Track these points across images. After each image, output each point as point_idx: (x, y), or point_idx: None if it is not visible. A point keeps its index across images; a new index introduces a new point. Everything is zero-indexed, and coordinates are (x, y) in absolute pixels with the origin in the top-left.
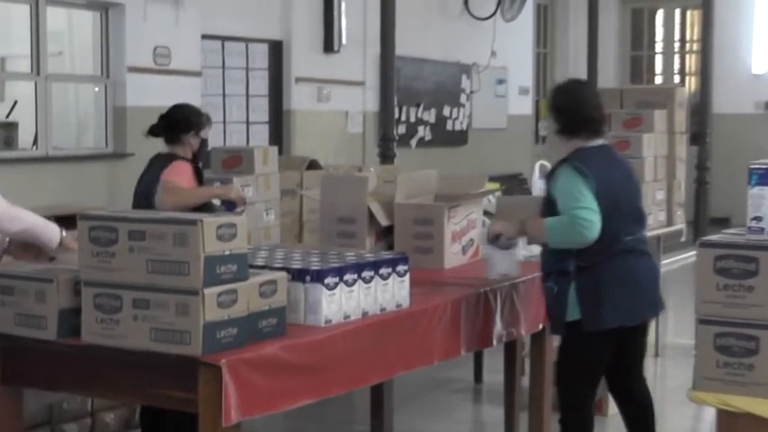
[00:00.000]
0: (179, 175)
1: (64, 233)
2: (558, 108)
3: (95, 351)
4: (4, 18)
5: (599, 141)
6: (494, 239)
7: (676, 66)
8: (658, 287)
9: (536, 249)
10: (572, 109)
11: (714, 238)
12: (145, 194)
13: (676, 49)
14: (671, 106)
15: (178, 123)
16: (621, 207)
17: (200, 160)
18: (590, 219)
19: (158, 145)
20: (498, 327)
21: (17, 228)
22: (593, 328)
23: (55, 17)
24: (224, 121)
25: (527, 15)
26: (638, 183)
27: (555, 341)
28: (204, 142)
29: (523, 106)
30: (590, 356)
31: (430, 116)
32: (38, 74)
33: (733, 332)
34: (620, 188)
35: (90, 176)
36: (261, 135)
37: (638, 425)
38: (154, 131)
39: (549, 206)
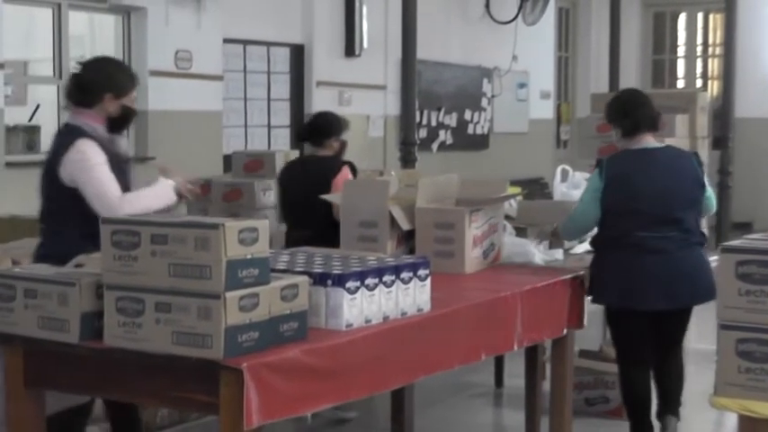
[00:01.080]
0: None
1: (170, 184)
2: (621, 112)
3: (117, 354)
4: (27, 22)
5: (644, 144)
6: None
7: (699, 70)
8: (680, 281)
9: (557, 254)
10: (635, 112)
11: (736, 243)
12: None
13: (699, 53)
14: (693, 110)
15: (321, 129)
16: (640, 207)
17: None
18: (573, 216)
19: (180, 148)
20: (519, 331)
21: (139, 209)
22: (595, 302)
23: (77, 21)
24: (245, 125)
25: (548, 19)
26: (681, 188)
27: (576, 345)
28: (343, 144)
29: (545, 110)
30: (618, 329)
31: (451, 120)
32: (60, 77)
33: (755, 337)
34: (643, 190)
35: None
36: (282, 139)
37: (662, 397)
38: (301, 136)
39: None
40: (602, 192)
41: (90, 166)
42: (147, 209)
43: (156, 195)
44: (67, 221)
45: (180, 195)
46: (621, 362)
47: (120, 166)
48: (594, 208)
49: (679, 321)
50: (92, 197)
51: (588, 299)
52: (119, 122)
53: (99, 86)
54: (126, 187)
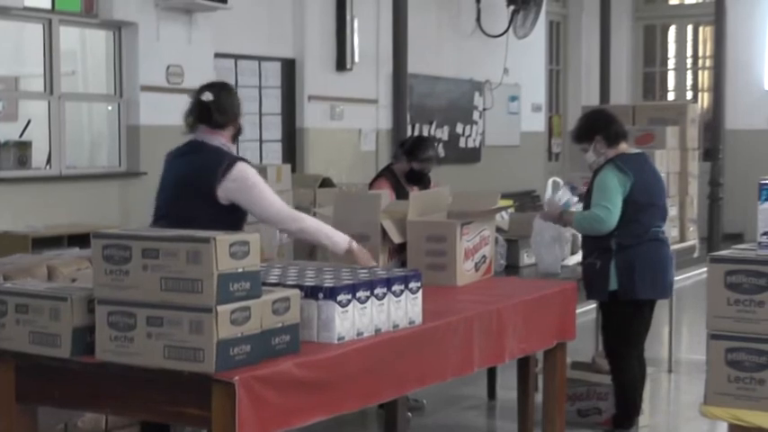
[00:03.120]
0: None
1: (354, 244)
2: (601, 124)
3: (109, 369)
4: (18, 37)
5: (631, 150)
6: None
7: (689, 82)
8: (672, 273)
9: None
10: (607, 123)
11: (725, 253)
12: None
13: (689, 66)
14: (683, 122)
15: (404, 148)
16: (654, 203)
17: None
18: (603, 217)
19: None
20: (511, 343)
21: (296, 227)
22: (625, 298)
23: (68, 36)
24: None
25: (539, 32)
26: (665, 186)
27: (568, 357)
28: (412, 172)
29: (536, 123)
30: (625, 322)
31: (443, 133)
32: (51, 93)
33: (744, 347)
34: (653, 187)
35: (103, 195)
36: (274, 153)
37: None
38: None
39: (588, 195)
40: (630, 186)
41: (258, 183)
42: (317, 231)
43: (332, 231)
44: None
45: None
46: (627, 353)
47: None
48: (621, 205)
49: (652, 311)
50: (269, 212)
51: (587, 302)
52: (235, 139)
53: (233, 109)
54: None
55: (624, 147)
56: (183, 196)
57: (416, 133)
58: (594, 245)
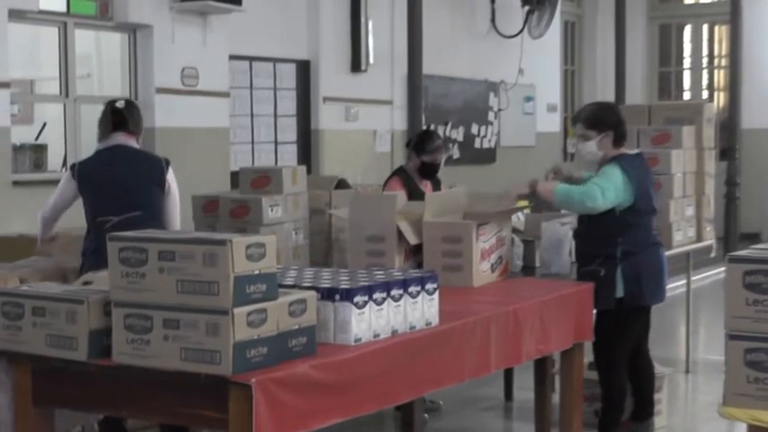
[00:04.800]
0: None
1: None
2: (614, 121)
3: (126, 371)
4: (33, 40)
5: (633, 151)
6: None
7: (704, 81)
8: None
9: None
10: (619, 122)
11: (743, 253)
12: None
13: (704, 65)
14: (699, 122)
15: (413, 143)
16: (653, 208)
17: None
18: (597, 195)
19: (188, 164)
20: (528, 344)
21: None
22: (632, 305)
23: (83, 39)
24: (252, 142)
25: (554, 33)
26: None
27: (585, 358)
28: (423, 165)
29: (552, 124)
30: (625, 329)
31: (458, 134)
32: (66, 96)
33: (763, 347)
34: (650, 190)
35: None
36: (289, 155)
37: (639, 391)
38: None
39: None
40: (632, 195)
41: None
42: None
43: None
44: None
45: None
46: (621, 360)
47: None
48: (612, 203)
49: (649, 313)
50: (174, 213)
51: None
52: None
53: (141, 121)
54: None
55: (624, 149)
56: (138, 189)
57: None
58: (596, 252)
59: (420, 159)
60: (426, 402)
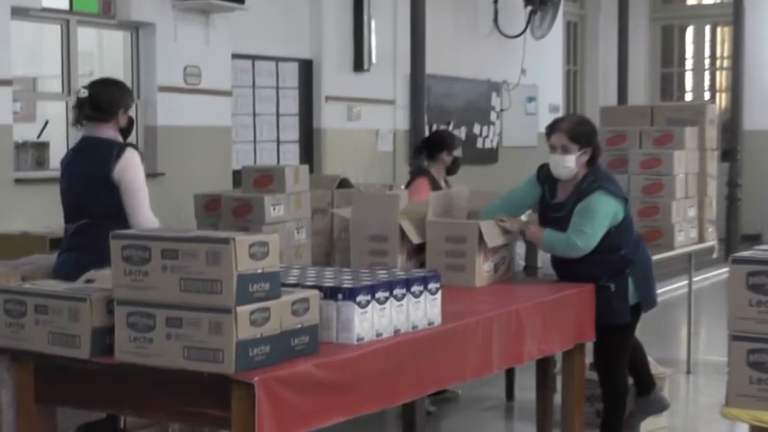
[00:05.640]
0: (418, 192)
1: None
2: (597, 141)
3: (128, 370)
4: (36, 38)
5: (603, 167)
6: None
7: (707, 82)
8: None
9: None
10: (598, 142)
11: (746, 254)
12: None
13: (707, 66)
14: (701, 123)
15: (435, 144)
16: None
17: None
18: (580, 245)
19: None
20: (530, 344)
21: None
22: (648, 308)
23: (86, 37)
24: (254, 141)
25: (557, 33)
26: None
27: (587, 358)
28: (456, 160)
29: None
30: (632, 330)
31: (460, 134)
32: (69, 94)
33: (766, 348)
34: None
35: None
36: (291, 154)
37: (636, 369)
38: (417, 150)
39: (559, 210)
40: (625, 212)
41: (139, 176)
42: None
43: None
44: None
45: None
46: (624, 360)
47: None
48: (601, 235)
49: None
50: (134, 207)
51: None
52: (127, 132)
53: (115, 102)
54: None
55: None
56: (86, 189)
57: None
58: (602, 270)
59: (452, 155)
60: (448, 392)
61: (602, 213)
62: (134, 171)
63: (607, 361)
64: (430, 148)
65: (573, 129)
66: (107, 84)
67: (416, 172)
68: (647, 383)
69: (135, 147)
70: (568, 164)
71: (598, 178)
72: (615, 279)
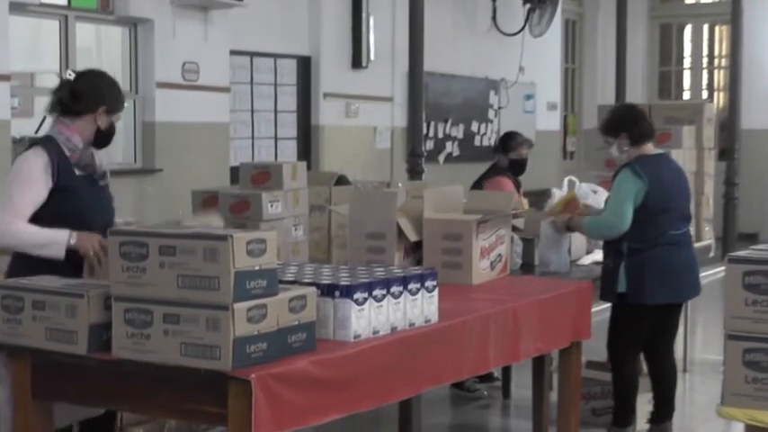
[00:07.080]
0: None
1: (72, 239)
2: (628, 122)
3: (126, 366)
4: (34, 34)
5: (658, 150)
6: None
7: (705, 81)
8: (696, 274)
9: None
10: (635, 121)
11: (743, 253)
12: None
13: (705, 65)
14: (699, 122)
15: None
16: (671, 207)
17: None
18: (612, 222)
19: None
20: (526, 342)
21: (19, 242)
22: (633, 301)
23: (84, 33)
24: (252, 137)
25: (555, 31)
26: (689, 187)
27: (583, 356)
28: (515, 162)
29: (552, 122)
30: (630, 326)
31: (458, 132)
32: None
33: (762, 347)
34: (672, 191)
35: (118, 192)
36: (289, 150)
37: (660, 392)
38: (495, 149)
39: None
40: (645, 193)
41: (17, 179)
42: (27, 246)
43: (47, 240)
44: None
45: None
46: (626, 355)
47: (93, 179)
48: (632, 211)
49: (678, 314)
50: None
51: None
52: (105, 137)
53: (95, 98)
54: (100, 201)
55: (649, 147)
56: None
57: (431, 131)
58: (609, 246)
59: (507, 157)
60: (494, 374)
61: (622, 189)
62: (14, 171)
63: (608, 337)
64: (495, 148)
65: (603, 125)
66: (100, 75)
67: (494, 170)
68: (662, 411)
69: (47, 146)
70: (614, 154)
71: (636, 160)
72: (614, 259)
